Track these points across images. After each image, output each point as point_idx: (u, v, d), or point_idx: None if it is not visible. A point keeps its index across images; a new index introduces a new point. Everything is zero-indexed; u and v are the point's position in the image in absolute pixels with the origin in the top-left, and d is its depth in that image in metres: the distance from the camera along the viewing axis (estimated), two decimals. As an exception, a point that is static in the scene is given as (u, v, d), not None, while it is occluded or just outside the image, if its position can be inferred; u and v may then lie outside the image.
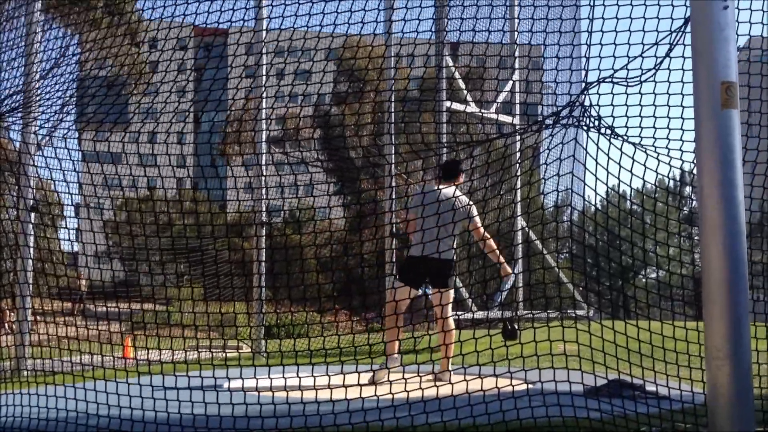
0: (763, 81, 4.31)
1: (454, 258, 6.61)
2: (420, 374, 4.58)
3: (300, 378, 4.15)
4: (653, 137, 3.93)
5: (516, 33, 11.32)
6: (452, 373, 6.08)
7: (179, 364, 5.03)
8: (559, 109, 4.02)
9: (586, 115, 3.93)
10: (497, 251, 6.62)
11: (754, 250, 4.47)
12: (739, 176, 3.02)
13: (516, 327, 8.76)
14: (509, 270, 6.79)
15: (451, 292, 6.83)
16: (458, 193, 6.61)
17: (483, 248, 6.63)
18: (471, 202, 6.67)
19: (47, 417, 4.29)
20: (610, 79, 3.89)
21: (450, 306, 6.72)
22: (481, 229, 6.62)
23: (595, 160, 3.85)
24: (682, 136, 3.92)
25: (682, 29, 3.71)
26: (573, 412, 3.68)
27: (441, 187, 6.57)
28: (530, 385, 4.23)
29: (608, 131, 3.92)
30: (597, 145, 3.85)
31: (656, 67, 3.86)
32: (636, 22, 3.95)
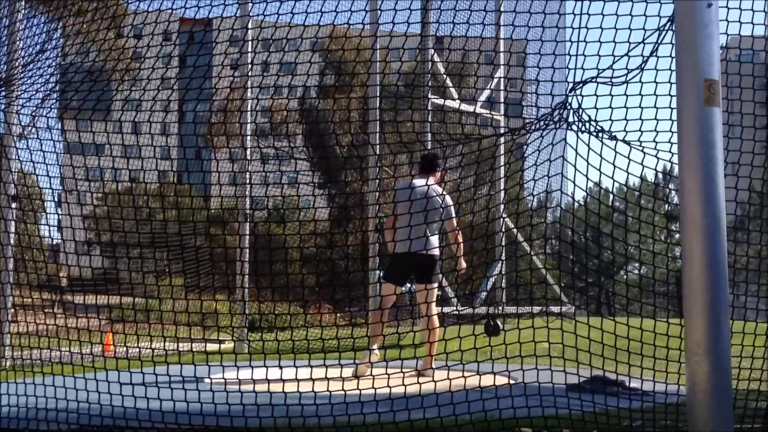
0: (743, 81, 4.33)
1: (436, 251, 6.62)
2: (403, 370, 4.59)
3: (282, 370, 4.14)
4: (639, 130, 3.93)
5: (501, 29, 11.31)
6: (435, 370, 6.09)
7: (159, 358, 5.00)
8: (552, 110, 4.02)
9: (577, 116, 3.93)
10: (461, 245, 6.65)
11: (736, 245, 4.51)
12: (721, 173, 3.04)
13: (499, 323, 8.79)
14: (464, 265, 6.81)
15: (436, 287, 6.82)
16: (437, 186, 6.63)
17: (451, 239, 6.65)
18: (445, 193, 6.69)
19: (26, 406, 4.26)
20: (603, 79, 3.89)
21: (434, 303, 6.72)
22: (454, 221, 6.66)
23: (586, 160, 3.87)
24: (671, 128, 3.92)
25: (666, 27, 3.72)
26: (554, 408, 3.70)
27: (420, 181, 6.56)
28: (512, 381, 4.24)
29: (601, 133, 3.93)
30: (588, 145, 3.86)
31: (642, 66, 3.87)
32: (621, 20, 3.95)
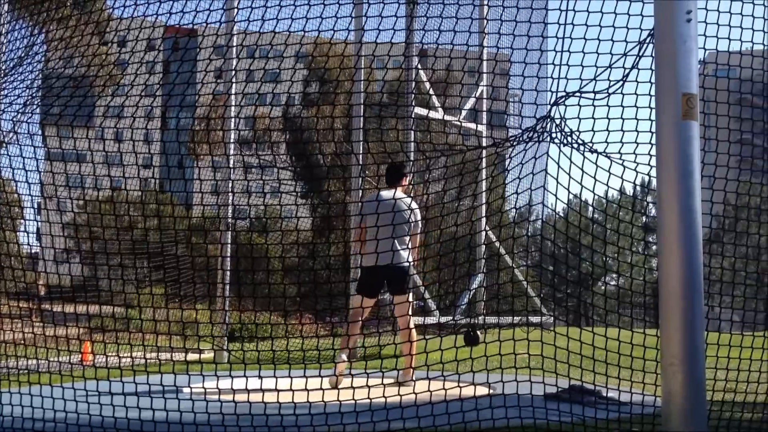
0: (720, 95, 4.39)
1: (410, 262, 6.59)
2: (384, 380, 4.59)
3: (262, 380, 4.12)
4: (621, 142, 3.97)
5: (485, 42, 11.37)
6: (415, 381, 6.09)
7: (139, 367, 4.97)
8: (535, 122, 4.06)
9: (559, 129, 3.97)
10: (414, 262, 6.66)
11: (713, 258, 4.56)
12: (697, 186, 3.08)
13: (478, 333, 8.81)
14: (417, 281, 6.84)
15: (411, 296, 6.77)
16: (403, 195, 6.60)
17: (412, 255, 6.63)
18: (415, 206, 6.67)
19: (2, 415, 4.21)
20: (585, 93, 3.93)
21: (410, 312, 6.67)
22: (419, 237, 6.65)
23: (568, 173, 3.90)
24: (650, 140, 3.97)
25: (647, 40, 3.77)
26: (533, 418, 3.71)
27: (388, 193, 6.54)
28: (492, 391, 4.26)
29: (582, 146, 3.96)
30: (570, 158, 3.90)
31: (623, 79, 3.92)
32: (604, 32, 4.01)
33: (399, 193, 6.59)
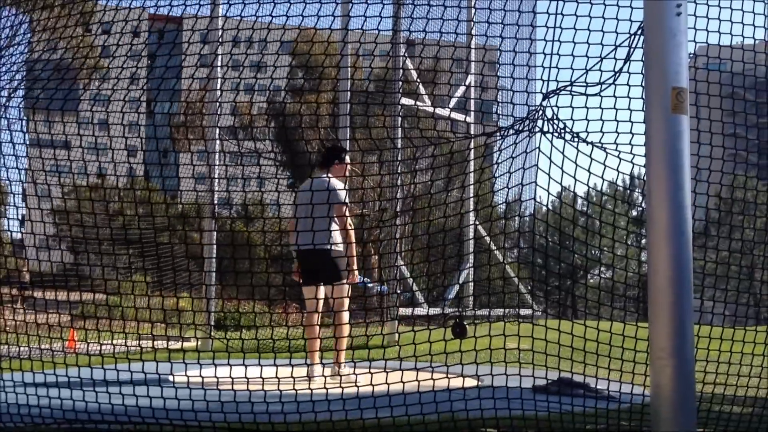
0: (711, 89, 4.40)
1: (331, 246, 6.11)
2: (371, 369, 4.58)
3: (247, 369, 4.10)
4: (616, 132, 3.96)
5: (474, 28, 11.33)
6: (347, 365, 5.85)
7: (125, 356, 4.92)
8: (525, 115, 4.04)
9: (550, 122, 3.95)
10: (352, 245, 6.28)
11: (703, 251, 4.58)
12: (687, 180, 3.09)
13: (466, 325, 8.82)
14: (356, 278, 6.40)
15: (344, 286, 6.25)
16: (326, 177, 6.22)
17: (339, 224, 6.22)
18: (340, 187, 6.32)
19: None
20: (577, 86, 3.92)
21: (345, 300, 6.21)
22: (345, 219, 6.21)
23: (561, 168, 3.90)
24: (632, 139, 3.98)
25: (639, 32, 3.77)
26: (521, 410, 3.72)
27: (315, 176, 6.36)
28: (480, 382, 4.26)
29: (576, 138, 3.96)
30: (562, 152, 3.89)
31: (616, 69, 3.91)
32: (594, 26, 3.99)
33: (326, 176, 6.25)
